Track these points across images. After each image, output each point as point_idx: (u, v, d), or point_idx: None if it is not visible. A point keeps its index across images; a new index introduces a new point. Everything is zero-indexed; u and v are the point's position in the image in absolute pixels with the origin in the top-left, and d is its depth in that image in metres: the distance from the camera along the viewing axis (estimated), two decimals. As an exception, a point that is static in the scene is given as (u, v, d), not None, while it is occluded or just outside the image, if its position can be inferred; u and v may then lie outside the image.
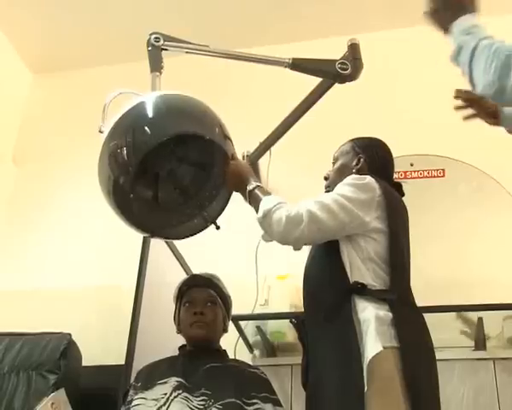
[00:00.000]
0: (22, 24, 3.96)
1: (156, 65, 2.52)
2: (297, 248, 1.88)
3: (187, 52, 2.61)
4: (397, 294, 1.79)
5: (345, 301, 1.77)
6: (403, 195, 2.14)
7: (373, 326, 1.68)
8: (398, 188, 2.14)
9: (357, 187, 1.90)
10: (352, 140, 2.22)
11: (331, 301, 1.81)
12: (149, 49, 2.55)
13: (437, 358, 1.81)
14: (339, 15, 3.78)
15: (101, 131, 2.18)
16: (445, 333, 2.60)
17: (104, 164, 2.13)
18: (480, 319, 2.62)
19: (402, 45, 3.73)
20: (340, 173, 2.11)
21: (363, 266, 1.83)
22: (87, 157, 3.81)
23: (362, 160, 2.12)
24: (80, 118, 4.04)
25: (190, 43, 2.63)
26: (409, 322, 1.76)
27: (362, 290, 1.77)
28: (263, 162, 3.43)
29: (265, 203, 1.88)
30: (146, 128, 2.05)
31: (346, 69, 2.65)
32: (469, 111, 1.80)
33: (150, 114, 2.11)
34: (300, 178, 3.36)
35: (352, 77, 2.63)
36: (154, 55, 2.53)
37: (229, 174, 2.09)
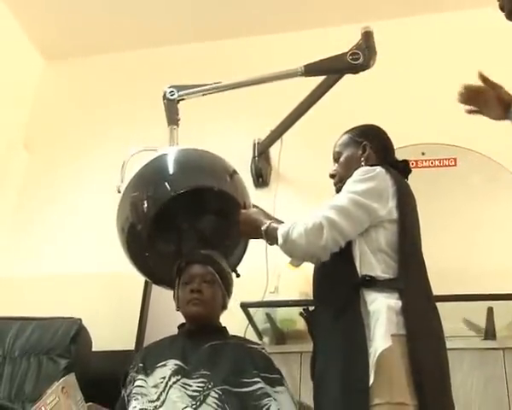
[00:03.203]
0: (34, 9, 3.95)
1: (173, 118, 2.64)
2: (324, 258, 1.86)
3: (203, 94, 2.72)
4: (406, 282, 1.78)
5: (353, 296, 1.76)
6: (410, 172, 2.13)
7: (384, 317, 1.68)
8: (405, 166, 2.13)
9: (369, 180, 1.89)
10: (347, 132, 2.20)
11: (340, 296, 1.81)
12: (165, 102, 2.63)
13: (446, 347, 1.81)
14: (352, 3, 3.75)
15: (119, 192, 2.33)
16: (454, 322, 2.59)
17: (124, 211, 2.32)
18: (490, 309, 2.61)
19: (414, 33, 3.71)
20: (348, 166, 2.08)
21: (373, 257, 1.82)
22: (99, 143, 3.87)
23: (367, 147, 2.09)
24: (92, 104, 4.05)
25: (203, 85, 2.74)
26: (418, 310, 1.76)
27: (370, 283, 1.77)
28: (274, 150, 3.44)
29: (281, 229, 1.90)
30: (163, 183, 2.24)
31: (357, 59, 2.65)
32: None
33: (166, 170, 2.30)
34: (311, 166, 3.36)
35: (365, 65, 2.63)
36: (171, 109, 2.65)
37: (241, 224, 2.15)
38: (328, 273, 1.91)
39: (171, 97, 2.64)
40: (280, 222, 2.01)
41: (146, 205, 2.23)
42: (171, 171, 2.32)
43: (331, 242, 1.80)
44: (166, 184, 2.24)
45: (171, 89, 2.66)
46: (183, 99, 2.68)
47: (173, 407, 1.94)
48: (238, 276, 2.38)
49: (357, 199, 1.85)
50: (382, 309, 1.69)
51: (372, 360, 1.64)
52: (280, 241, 1.89)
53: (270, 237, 1.98)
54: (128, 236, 2.31)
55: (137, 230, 2.25)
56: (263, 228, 2.01)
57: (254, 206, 2.32)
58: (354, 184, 1.90)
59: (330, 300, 1.86)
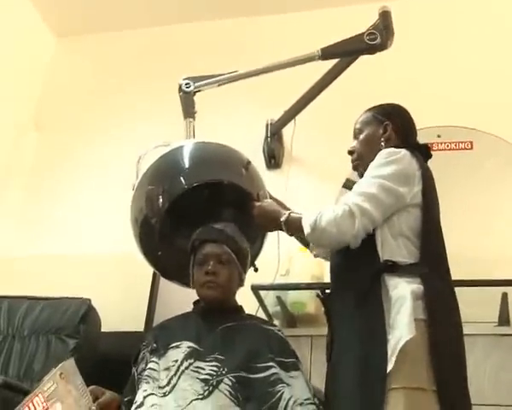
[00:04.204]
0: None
1: (189, 111, 2.58)
2: (354, 245, 1.82)
3: (219, 85, 2.68)
4: (428, 267, 1.76)
5: (374, 280, 1.75)
6: (430, 156, 2.09)
7: (409, 303, 1.66)
8: (426, 150, 2.08)
9: (394, 162, 1.86)
10: (370, 109, 2.15)
11: (361, 280, 1.79)
12: (181, 94, 2.58)
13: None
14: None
15: (133, 190, 2.31)
16: (468, 308, 2.56)
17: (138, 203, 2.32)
18: (505, 294, 2.59)
19: (430, 13, 3.65)
20: (369, 145, 2.06)
21: (394, 242, 1.81)
22: (111, 122, 3.85)
23: (389, 127, 2.05)
24: (104, 83, 4.02)
25: (220, 75, 2.69)
26: (439, 295, 1.74)
27: (392, 268, 1.75)
28: (287, 132, 3.40)
29: (307, 219, 1.87)
30: (177, 177, 2.22)
31: (375, 39, 2.60)
32: None
33: (181, 164, 2.29)
34: (325, 148, 3.32)
35: (383, 46, 2.58)
36: (187, 101, 2.59)
37: (257, 218, 2.13)
38: (349, 258, 1.87)
39: (187, 90, 2.58)
40: (297, 213, 1.98)
41: (161, 199, 2.21)
42: (186, 165, 2.30)
43: (362, 229, 1.78)
44: (180, 178, 2.21)
45: (187, 81, 2.59)
46: (199, 91, 2.63)
47: (182, 396, 1.91)
48: (256, 270, 2.34)
49: (384, 184, 1.82)
50: (407, 295, 1.68)
51: (393, 347, 1.62)
52: (307, 230, 1.85)
53: (292, 228, 1.96)
54: (141, 229, 2.30)
55: (151, 223, 2.23)
56: (282, 219, 1.98)
57: (271, 197, 2.29)
58: (380, 169, 1.87)
59: (351, 284, 1.84)
